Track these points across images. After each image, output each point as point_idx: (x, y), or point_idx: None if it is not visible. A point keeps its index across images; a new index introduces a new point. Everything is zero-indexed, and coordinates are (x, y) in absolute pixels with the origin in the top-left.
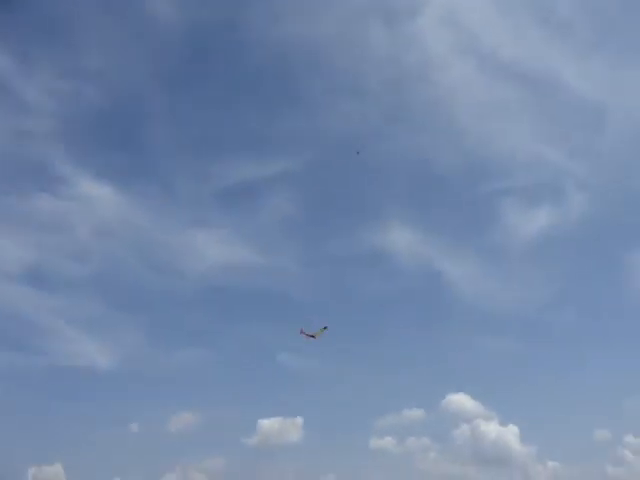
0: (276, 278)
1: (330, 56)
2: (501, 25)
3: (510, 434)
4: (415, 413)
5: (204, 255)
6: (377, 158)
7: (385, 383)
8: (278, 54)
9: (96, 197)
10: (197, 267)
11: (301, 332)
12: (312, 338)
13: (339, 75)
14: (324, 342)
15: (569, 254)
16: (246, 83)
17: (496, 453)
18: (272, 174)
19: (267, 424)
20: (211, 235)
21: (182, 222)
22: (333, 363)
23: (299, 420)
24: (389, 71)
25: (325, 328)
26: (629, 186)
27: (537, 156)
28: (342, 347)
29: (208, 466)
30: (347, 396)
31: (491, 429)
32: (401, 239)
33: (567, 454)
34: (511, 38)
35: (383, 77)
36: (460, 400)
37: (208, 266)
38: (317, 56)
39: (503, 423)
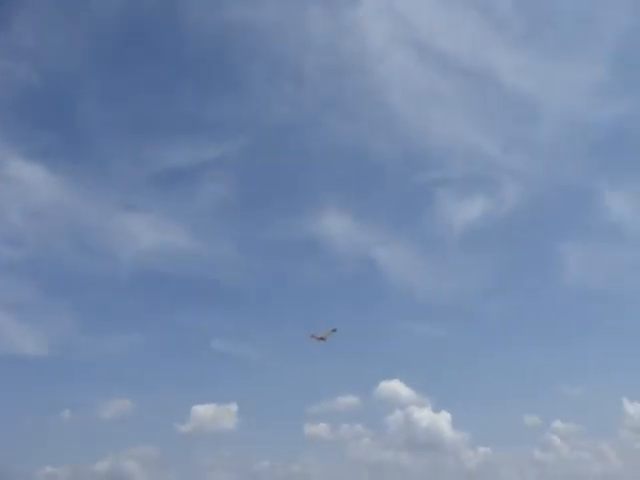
0: (211, 264)
1: (269, 42)
2: (440, 17)
3: (443, 420)
4: (349, 400)
5: (138, 239)
6: (314, 145)
7: (320, 370)
8: (217, 38)
9: (27, 178)
10: (131, 251)
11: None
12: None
13: (277, 61)
14: (259, 328)
15: (502, 244)
16: (184, 66)
17: (429, 439)
18: (208, 158)
19: (201, 411)
20: (145, 219)
21: (116, 205)
22: (268, 349)
23: (233, 407)
24: (328, 59)
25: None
26: (562, 178)
27: (473, 147)
28: (277, 333)
29: (141, 453)
30: (282, 382)
31: (424, 416)
32: (337, 226)
33: (498, 440)
34: (449, 30)
35: (321, 64)
36: (394, 387)
37: (142, 250)
38: (256, 41)
39: (436, 410)
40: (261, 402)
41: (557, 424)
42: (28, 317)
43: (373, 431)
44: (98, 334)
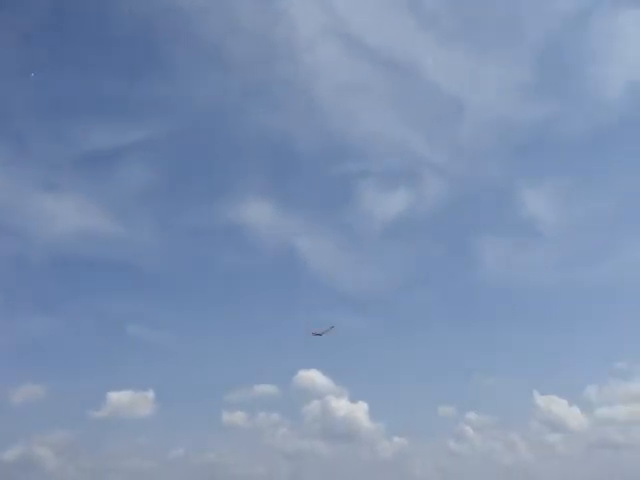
0: (131, 248)
1: (196, 25)
2: (370, 11)
3: (360, 411)
4: (267, 388)
5: (55, 221)
6: (239, 131)
7: (238, 357)
8: (143, 19)
9: None
10: (47, 233)
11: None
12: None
13: (204, 45)
14: (178, 315)
15: (423, 237)
16: (108, 46)
17: (345, 429)
18: (131, 141)
19: (116, 397)
20: (64, 200)
21: (34, 185)
22: (186, 336)
23: (150, 393)
24: (255, 45)
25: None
26: (483, 176)
27: (397, 141)
28: (195, 320)
29: (53, 440)
30: (200, 370)
31: (341, 405)
32: (259, 214)
33: (414, 430)
34: (379, 24)
35: (249, 51)
36: (311, 376)
37: (59, 232)
38: (183, 24)
39: (353, 400)
40: (178, 389)
41: (471, 415)
42: None
43: (290, 420)
44: (11, 317)
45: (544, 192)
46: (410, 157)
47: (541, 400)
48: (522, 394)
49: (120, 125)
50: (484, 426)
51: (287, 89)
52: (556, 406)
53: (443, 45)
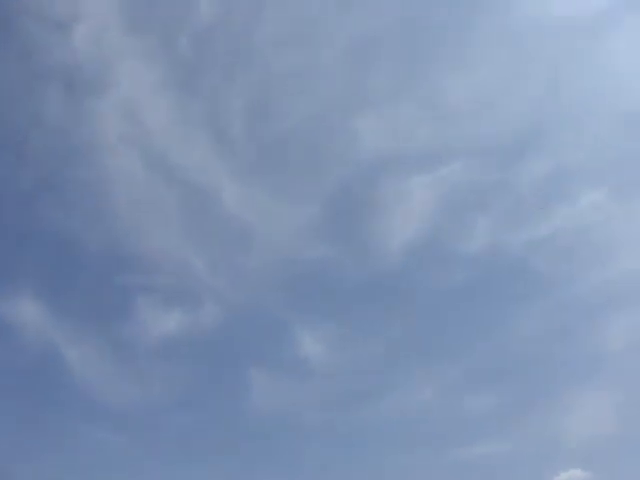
0: None
1: None
2: (175, 129)
3: None
4: None
5: None
6: (22, 225)
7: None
8: None
9: None
10: None
11: None
12: None
13: (3, 136)
14: None
15: (196, 360)
16: None
17: None
18: None
19: None
20: None
21: None
22: None
23: None
24: (56, 141)
25: None
26: (262, 308)
27: (182, 261)
28: None
29: None
30: None
31: None
32: (29, 314)
33: None
34: (181, 144)
35: (48, 145)
36: None
37: None
38: None
39: None
40: None
41: None
42: None
43: None
44: None
45: (319, 332)
46: (192, 279)
47: None
48: None
49: None
50: None
51: (82, 191)
52: None
53: (240, 175)
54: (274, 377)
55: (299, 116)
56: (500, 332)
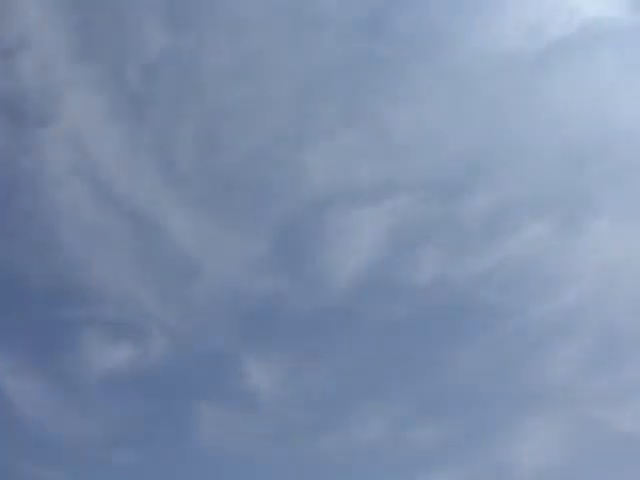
0: None
1: None
2: (121, 159)
3: None
4: None
5: None
6: None
7: None
8: None
9: None
10: None
11: None
12: None
13: None
14: None
15: (143, 394)
16: None
17: None
18: None
19: None
20: None
21: None
22: None
23: None
24: (1, 172)
25: None
26: (210, 341)
27: (129, 293)
28: None
29: None
30: None
31: None
32: None
33: None
34: (128, 174)
35: None
36: None
37: None
38: None
39: None
40: None
41: None
42: None
43: None
44: None
45: (268, 364)
46: (139, 311)
47: None
48: None
49: None
50: None
51: (27, 222)
52: None
53: (189, 207)
54: (222, 411)
55: (247, 148)
56: (447, 364)
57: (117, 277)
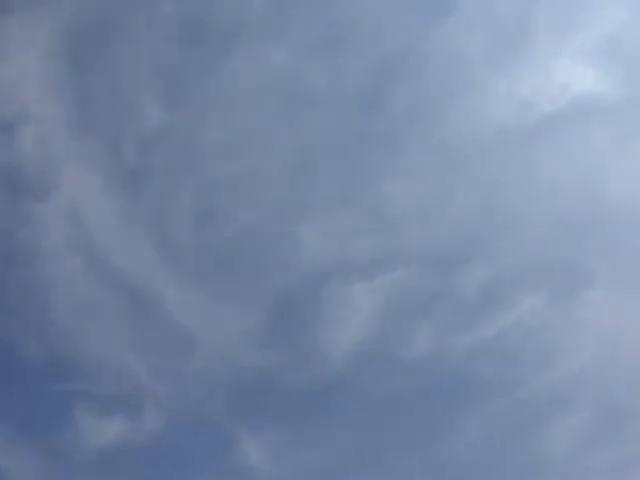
0: None
1: None
2: (117, 233)
3: None
4: None
5: None
6: None
7: None
8: None
9: None
10: None
11: None
12: None
13: None
14: None
15: (137, 470)
16: None
17: None
18: None
19: None
20: None
21: None
22: None
23: None
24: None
25: None
26: (206, 415)
27: (123, 368)
28: None
29: None
30: None
31: None
32: None
33: None
34: (128, 250)
35: None
36: None
37: None
38: None
39: None
40: None
41: None
42: None
43: None
44: None
45: (264, 439)
46: (134, 385)
47: None
48: None
49: None
50: None
51: (21, 294)
52: None
53: (184, 280)
54: None
55: (243, 222)
56: (446, 437)
57: (111, 351)
